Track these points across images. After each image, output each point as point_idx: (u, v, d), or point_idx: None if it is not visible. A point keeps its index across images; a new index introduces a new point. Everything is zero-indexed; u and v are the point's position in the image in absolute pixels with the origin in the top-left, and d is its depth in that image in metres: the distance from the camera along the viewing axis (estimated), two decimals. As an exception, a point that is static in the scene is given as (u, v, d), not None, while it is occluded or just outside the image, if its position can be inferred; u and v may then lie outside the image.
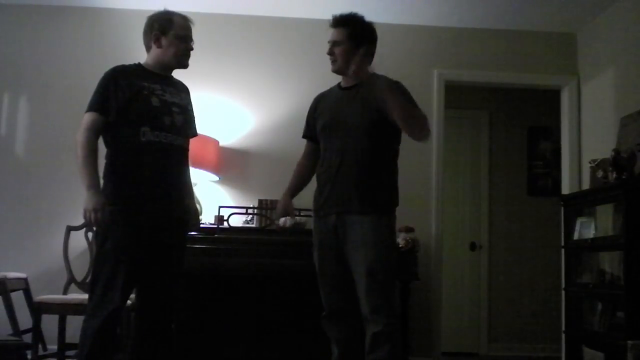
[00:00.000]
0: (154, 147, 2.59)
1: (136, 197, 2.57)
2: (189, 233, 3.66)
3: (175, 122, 2.67)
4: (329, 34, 2.77)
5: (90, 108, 2.60)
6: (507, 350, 5.49)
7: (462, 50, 4.67)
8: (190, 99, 2.86)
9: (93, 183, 2.50)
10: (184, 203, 2.76)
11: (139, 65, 2.74)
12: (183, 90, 2.83)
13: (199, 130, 4.11)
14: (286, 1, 4.39)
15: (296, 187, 2.94)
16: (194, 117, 2.86)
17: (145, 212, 2.57)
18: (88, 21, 4.50)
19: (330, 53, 2.75)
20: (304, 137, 2.97)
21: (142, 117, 2.59)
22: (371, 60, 2.81)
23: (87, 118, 2.58)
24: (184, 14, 2.79)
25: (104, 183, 2.59)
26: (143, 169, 2.59)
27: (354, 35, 2.72)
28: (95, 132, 2.57)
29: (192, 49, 2.77)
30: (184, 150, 2.76)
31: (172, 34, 2.69)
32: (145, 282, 2.65)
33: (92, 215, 2.46)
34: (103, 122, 2.58)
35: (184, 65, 2.77)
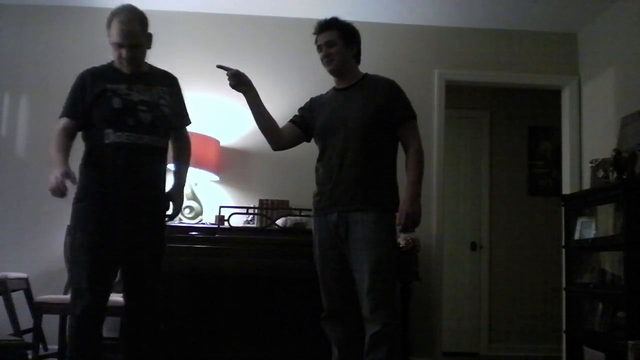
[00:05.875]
0: (118, 148, 2.58)
1: (100, 197, 2.58)
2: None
3: (141, 121, 2.61)
4: (318, 39, 2.82)
5: (62, 114, 2.63)
6: (507, 350, 5.49)
7: (462, 50, 4.67)
8: (168, 89, 2.75)
9: (56, 158, 2.48)
10: (157, 201, 2.73)
11: (109, 65, 2.71)
12: (159, 83, 2.73)
13: (199, 131, 4.17)
14: (286, 1, 4.39)
15: (264, 110, 2.88)
16: (175, 108, 2.75)
17: (109, 212, 2.57)
18: (88, 21, 4.49)
19: (327, 54, 2.78)
20: (290, 120, 2.94)
21: (103, 120, 2.59)
22: (359, 60, 2.90)
23: (59, 123, 2.62)
24: (128, 10, 2.63)
25: (78, 180, 2.61)
26: (105, 170, 2.59)
27: (344, 36, 2.80)
28: (67, 136, 2.59)
29: (129, 57, 2.62)
30: (155, 149, 2.67)
31: (111, 41, 2.64)
32: (124, 281, 2.67)
33: (54, 181, 2.40)
34: (74, 126, 2.61)
35: (130, 70, 2.65)
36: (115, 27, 2.60)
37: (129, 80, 2.66)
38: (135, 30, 2.61)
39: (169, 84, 2.79)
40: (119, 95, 2.60)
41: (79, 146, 2.69)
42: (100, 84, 2.61)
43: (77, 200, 2.62)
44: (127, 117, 2.60)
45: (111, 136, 2.58)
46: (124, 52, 2.61)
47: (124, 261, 2.64)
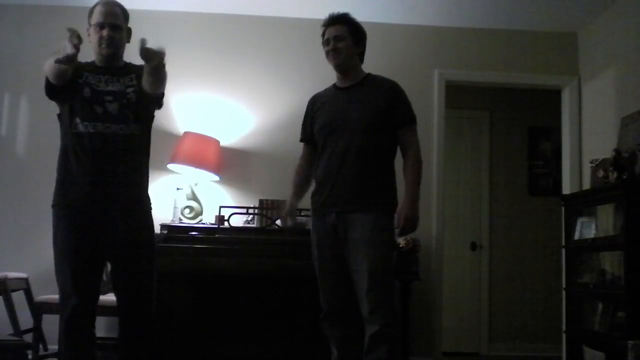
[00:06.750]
0: (85, 139, 2.57)
1: (74, 196, 2.59)
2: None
3: (108, 110, 2.61)
4: (327, 32, 2.81)
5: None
6: (507, 350, 5.49)
7: (462, 50, 4.67)
8: (135, 75, 2.67)
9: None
10: (137, 195, 2.68)
11: (90, 62, 2.74)
12: (128, 73, 2.70)
13: (199, 131, 4.17)
14: (286, 1, 4.39)
15: (301, 190, 2.95)
16: (140, 93, 2.65)
17: (86, 210, 2.56)
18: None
19: (335, 48, 2.77)
20: (301, 141, 2.98)
21: (74, 109, 2.60)
22: (362, 60, 2.90)
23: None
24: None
25: (55, 183, 2.66)
26: (77, 164, 2.57)
27: (353, 33, 2.80)
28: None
29: (109, 36, 2.63)
30: (127, 137, 2.62)
31: (91, 25, 2.68)
32: (113, 280, 2.67)
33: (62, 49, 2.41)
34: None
35: (106, 55, 2.66)
36: (97, 10, 2.67)
37: (103, 71, 2.67)
38: (117, 12, 2.68)
39: (137, 71, 2.70)
40: (89, 85, 2.63)
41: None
42: (78, 71, 2.63)
43: (55, 203, 2.64)
44: (95, 105, 2.61)
45: (79, 126, 2.58)
46: (105, 32, 2.64)
47: (110, 259, 2.64)
